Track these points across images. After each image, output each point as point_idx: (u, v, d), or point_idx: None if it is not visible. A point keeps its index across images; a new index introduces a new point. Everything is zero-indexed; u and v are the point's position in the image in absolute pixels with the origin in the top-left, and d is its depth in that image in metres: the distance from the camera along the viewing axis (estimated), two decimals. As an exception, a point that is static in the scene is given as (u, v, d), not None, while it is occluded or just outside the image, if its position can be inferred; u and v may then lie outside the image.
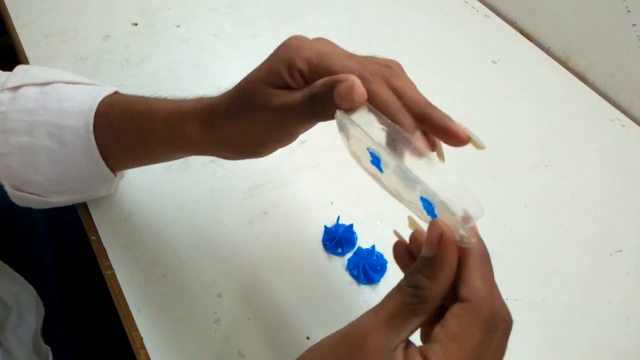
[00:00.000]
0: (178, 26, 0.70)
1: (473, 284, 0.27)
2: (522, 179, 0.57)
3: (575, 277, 0.49)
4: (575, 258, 0.51)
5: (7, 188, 0.45)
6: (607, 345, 0.45)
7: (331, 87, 0.31)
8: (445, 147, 0.32)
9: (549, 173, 0.57)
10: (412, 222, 0.33)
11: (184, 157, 0.46)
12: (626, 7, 0.61)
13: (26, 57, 0.64)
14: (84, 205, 0.51)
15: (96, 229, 0.50)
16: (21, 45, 0.65)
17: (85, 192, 0.48)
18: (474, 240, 0.28)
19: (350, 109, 0.31)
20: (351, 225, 0.50)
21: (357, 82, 0.30)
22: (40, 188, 0.45)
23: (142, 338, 0.43)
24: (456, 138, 0.30)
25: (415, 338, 0.29)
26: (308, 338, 0.44)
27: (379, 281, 0.47)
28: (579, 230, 0.53)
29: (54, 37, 0.67)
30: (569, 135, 0.61)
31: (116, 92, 0.45)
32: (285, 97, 0.34)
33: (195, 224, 0.51)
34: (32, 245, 0.64)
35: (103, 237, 0.49)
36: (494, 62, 0.69)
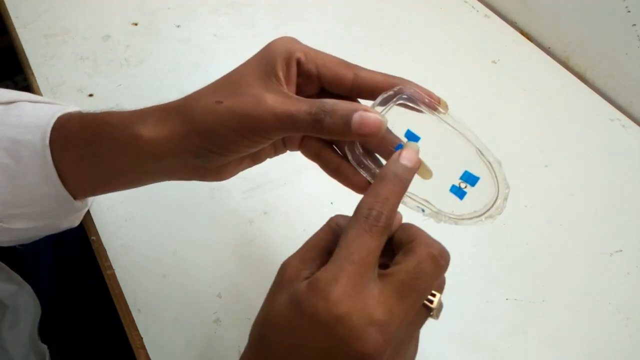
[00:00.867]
0: (178, 26, 0.70)
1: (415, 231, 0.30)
2: (522, 179, 0.57)
3: (575, 277, 0.49)
4: (575, 258, 0.51)
5: None
6: (607, 345, 0.45)
7: (349, 112, 0.31)
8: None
9: (549, 173, 0.57)
10: None
11: (142, 177, 0.40)
12: (626, 7, 0.61)
13: (26, 57, 0.64)
14: (84, 205, 0.51)
15: (96, 229, 0.50)
16: (21, 45, 0.66)
17: (45, 217, 0.43)
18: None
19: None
20: (351, 225, 0.50)
21: (384, 124, 0.32)
22: None
23: (142, 338, 0.43)
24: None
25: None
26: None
27: (379, 281, 0.47)
28: (579, 230, 0.53)
29: (54, 37, 0.67)
30: (569, 135, 0.61)
31: (79, 112, 0.42)
32: (290, 102, 0.33)
33: (195, 224, 0.51)
34: (30, 244, 0.64)
35: (103, 237, 0.49)
36: (494, 62, 0.69)
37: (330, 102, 0.32)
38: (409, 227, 0.31)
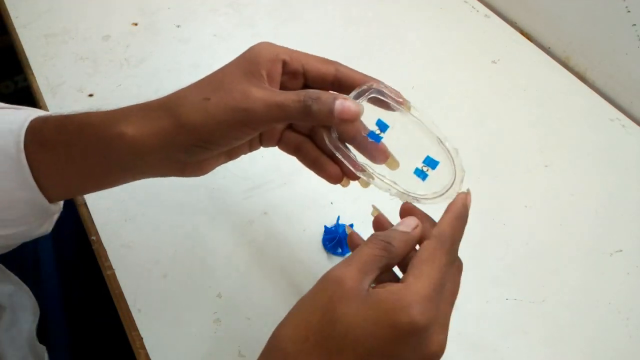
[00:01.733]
0: (178, 26, 0.70)
1: (442, 227, 0.33)
2: (522, 179, 0.57)
3: (575, 277, 0.49)
4: (575, 258, 0.51)
5: None
6: (607, 345, 0.45)
7: (331, 99, 0.35)
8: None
9: (549, 173, 0.57)
10: (375, 209, 0.39)
11: (121, 176, 0.41)
12: (626, 7, 0.61)
13: (26, 57, 0.64)
14: (84, 205, 0.51)
15: (96, 229, 0.50)
16: (21, 45, 0.66)
17: (18, 224, 0.42)
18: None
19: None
20: (351, 225, 0.50)
21: (360, 111, 0.36)
22: None
23: (142, 338, 0.44)
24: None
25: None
26: (308, 338, 0.44)
27: (379, 281, 0.48)
28: (579, 230, 0.53)
29: (54, 37, 0.67)
30: (569, 135, 0.61)
31: (53, 114, 0.41)
32: (276, 93, 0.35)
33: (195, 224, 0.51)
34: (30, 244, 0.63)
35: (103, 237, 0.49)
36: (494, 62, 0.69)
37: (315, 92, 0.35)
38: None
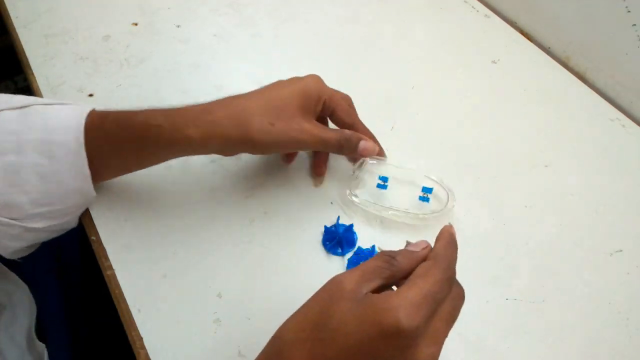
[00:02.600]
0: (178, 26, 0.70)
1: (437, 250, 0.36)
2: (522, 179, 0.57)
3: (575, 277, 0.49)
4: (575, 258, 0.51)
5: None
6: (607, 345, 0.45)
7: (357, 141, 0.50)
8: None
9: (549, 173, 0.57)
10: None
11: (166, 160, 0.48)
12: (626, 7, 0.61)
13: (26, 57, 0.64)
14: (84, 205, 0.51)
15: (96, 229, 0.50)
16: (21, 45, 0.66)
17: (64, 214, 0.47)
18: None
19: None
20: (351, 225, 0.50)
21: (375, 149, 0.51)
22: (21, 211, 0.44)
23: (142, 338, 0.44)
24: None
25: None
26: (308, 338, 0.44)
27: (379, 281, 0.48)
28: (579, 230, 0.53)
29: (54, 37, 0.67)
30: (569, 135, 0.61)
31: (108, 111, 0.47)
32: (323, 131, 0.48)
33: (195, 224, 0.51)
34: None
35: (103, 237, 0.49)
36: (494, 62, 0.69)
37: (347, 133, 0.49)
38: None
